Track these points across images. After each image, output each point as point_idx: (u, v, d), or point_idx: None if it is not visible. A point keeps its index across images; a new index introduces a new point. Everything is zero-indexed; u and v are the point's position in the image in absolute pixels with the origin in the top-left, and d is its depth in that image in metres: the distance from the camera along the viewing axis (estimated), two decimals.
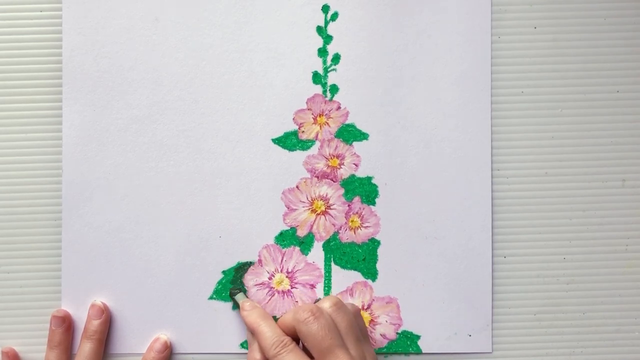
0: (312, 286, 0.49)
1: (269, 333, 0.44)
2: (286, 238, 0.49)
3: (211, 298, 0.49)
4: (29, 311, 0.49)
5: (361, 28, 0.49)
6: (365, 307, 0.49)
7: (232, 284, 0.49)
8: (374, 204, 0.49)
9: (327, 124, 0.49)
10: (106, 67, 0.49)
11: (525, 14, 0.50)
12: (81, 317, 0.48)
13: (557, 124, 0.50)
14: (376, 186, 0.49)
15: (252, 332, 0.45)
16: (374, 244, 0.49)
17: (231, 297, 0.48)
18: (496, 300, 0.49)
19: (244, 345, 0.49)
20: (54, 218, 0.49)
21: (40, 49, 0.49)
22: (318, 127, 0.49)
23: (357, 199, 0.49)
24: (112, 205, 0.49)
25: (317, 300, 0.48)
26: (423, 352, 0.49)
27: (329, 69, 0.49)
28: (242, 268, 0.49)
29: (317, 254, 0.49)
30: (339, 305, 0.44)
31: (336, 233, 0.49)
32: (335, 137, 0.49)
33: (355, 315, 0.45)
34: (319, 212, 0.49)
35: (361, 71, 0.49)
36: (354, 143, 0.49)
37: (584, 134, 0.50)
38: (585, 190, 0.50)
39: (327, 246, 0.49)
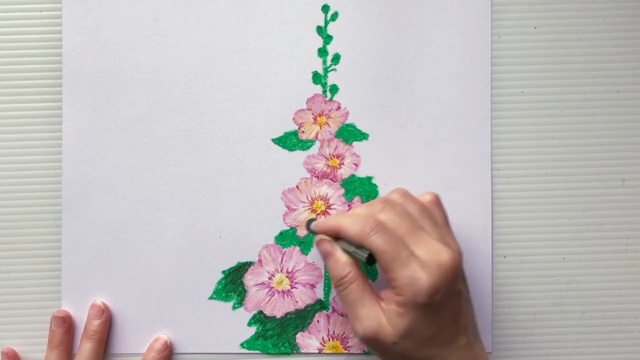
0: (312, 286, 0.49)
1: (333, 272, 0.43)
2: (286, 238, 0.49)
3: (211, 298, 0.49)
4: (29, 311, 0.49)
5: (361, 28, 0.49)
6: None
7: (232, 284, 0.49)
8: None
9: (327, 124, 0.49)
10: (106, 67, 0.49)
11: (525, 14, 0.50)
12: (81, 317, 0.48)
13: (557, 124, 0.50)
14: (376, 186, 0.49)
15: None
16: None
17: (307, 228, 0.47)
18: (496, 300, 0.49)
19: (244, 345, 0.49)
20: (54, 218, 0.49)
21: (40, 49, 0.49)
22: (318, 127, 0.49)
23: (357, 199, 0.49)
24: (112, 205, 0.49)
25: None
26: None
27: (329, 69, 0.49)
28: (242, 268, 0.49)
29: (317, 254, 0.49)
30: (407, 194, 0.44)
31: None
32: (335, 137, 0.49)
33: (430, 203, 0.45)
34: (319, 212, 0.49)
35: (361, 71, 0.49)
36: (354, 143, 0.49)
37: (584, 134, 0.50)
38: (585, 190, 0.50)
39: None
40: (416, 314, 0.40)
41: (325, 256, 0.44)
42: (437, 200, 0.45)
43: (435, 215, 0.44)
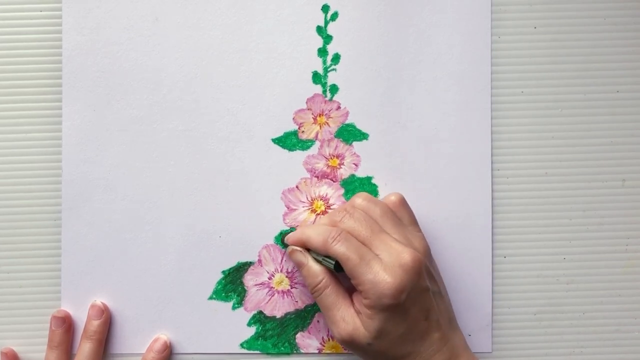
0: None
1: (307, 279, 0.45)
2: None
3: (211, 298, 0.49)
4: (29, 311, 0.49)
5: (361, 28, 0.49)
6: None
7: (232, 284, 0.49)
8: None
9: (327, 123, 0.49)
10: (106, 67, 0.49)
11: (525, 14, 0.50)
12: (81, 317, 0.48)
13: (557, 124, 0.50)
14: (376, 186, 0.49)
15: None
16: None
17: (282, 242, 0.49)
18: (496, 300, 0.49)
19: (244, 345, 0.49)
20: (54, 218, 0.49)
21: (40, 49, 0.49)
22: (318, 127, 0.49)
23: None
24: (112, 205, 0.49)
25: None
26: None
27: (328, 69, 0.49)
28: (242, 268, 0.49)
29: None
30: (369, 197, 0.46)
31: None
32: (335, 137, 0.49)
33: (394, 204, 0.46)
34: (319, 212, 0.49)
35: (361, 71, 0.49)
36: (354, 143, 0.49)
37: (584, 134, 0.50)
38: (585, 190, 0.50)
39: None
40: (384, 315, 0.42)
41: (299, 266, 0.46)
42: (401, 201, 0.46)
43: (400, 216, 0.46)
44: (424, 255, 0.44)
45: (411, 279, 0.42)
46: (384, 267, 0.42)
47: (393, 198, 0.46)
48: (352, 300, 0.44)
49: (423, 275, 0.43)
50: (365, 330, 0.42)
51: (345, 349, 0.49)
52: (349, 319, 0.43)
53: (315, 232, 0.45)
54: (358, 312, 0.43)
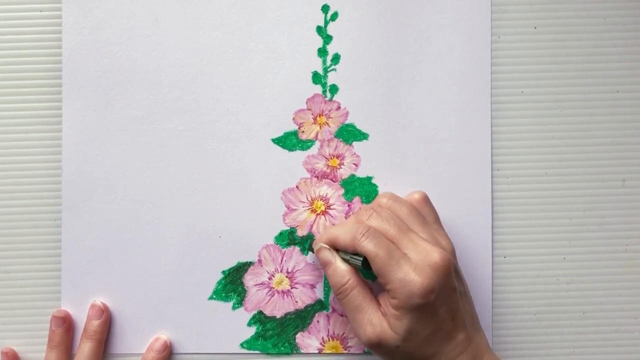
0: (312, 286, 0.49)
1: (333, 279, 0.44)
2: (286, 238, 0.49)
3: (211, 298, 0.49)
4: (29, 311, 0.49)
5: (361, 28, 0.49)
6: None
7: (232, 284, 0.49)
8: None
9: (327, 124, 0.49)
10: (106, 67, 0.49)
11: (525, 14, 0.50)
12: (81, 317, 0.48)
13: (557, 124, 0.50)
14: (376, 186, 0.49)
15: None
16: None
17: (310, 249, 0.48)
18: (496, 300, 0.49)
19: (244, 345, 0.49)
20: (54, 218, 0.49)
21: (40, 49, 0.49)
22: (318, 127, 0.49)
23: (357, 199, 0.49)
24: (112, 205, 0.49)
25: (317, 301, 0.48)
26: None
27: (328, 69, 0.49)
28: (242, 268, 0.49)
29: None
30: (395, 197, 0.46)
31: None
32: (335, 137, 0.49)
33: (418, 202, 0.45)
34: (319, 212, 0.49)
35: (361, 71, 0.49)
36: (354, 143, 0.49)
37: (584, 134, 0.50)
38: (585, 190, 0.50)
39: None
40: (413, 315, 0.41)
41: (325, 265, 0.45)
42: (425, 199, 0.46)
43: (424, 214, 0.45)
44: (452, 255, 0.43)
45: (440, 279, 0.41)
46: (414, 266, 0.41)
47: (417, 196, 0.46)
48: (378, 303, 0.43)
49: (452, 275, 0.42)
50: (394, 332, 0.41)
51: (345, 349, 0.49)
52: (376, 321, 0.42)
53: (342, 229, 0.44)
54: (384, 315, 0.42)
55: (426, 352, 0.42)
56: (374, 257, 0.42)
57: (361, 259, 0.43)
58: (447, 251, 0.43)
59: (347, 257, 0.44)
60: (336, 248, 0.45)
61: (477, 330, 0.44)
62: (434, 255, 0.41)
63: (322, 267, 0.46)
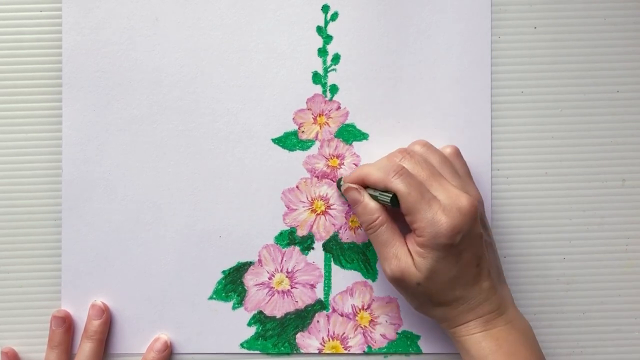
0: (312, 286, 0.49)
1: (362, 217, 0.45)
2: (286, 238, 0.49)
3: (211, 298, 0.49)
4: (29, 311, 0.49)
5: (361, 28, 0.49)
6: (365, 308, 0.49)
7: (232, 284, 0.49)
8: None
9: (327, 124, 0.49)
10: (106, 67, 0.49)
11: (525, 14, 0.50)
12: (81, 317, 0.48)
13: (557, 124, 0.50)
14: None
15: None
16: None
17: (338, 187, 0.49)
18: None
19: (244, 345, 0.49)
20: (54, 218, 0.49)
21: (40, 49, 0.49)
22: (318, 127, 0.49)
23: None
24: (112, 205, 0.49)
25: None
26: (423, 352, 0.49)
27: (328, 69, 0.49)
28: (242, 268, 0.49)
29: (317, 254, 0.49)
30: (429, 145, 0.46)
31: (336, 233, 0.49)
32: (335, 137, 0.49)
33: (450, 155, 0.46)
34: (319, 212, 0.49)
35: (361, 71, 0.49)
36: (354, 143, 0.49)
37: (584, 134, 0.50)
38: (585, 190, 0.50)
39: (327, 246, 0.49)
40: (437, 254, 0.42)
41: (354, 203, 0.46)
42: (457, 153, 0.47)
43: (456, 167, 0.46)
44: (479, 203, 0.44)
45: (467, 222, 0.42)
46: (442, 208, 0.42)
47: (449, 150, 0.47)
48: (405, 240, 0.44)
49: (478, 222, 0.43)
50: (417, 270, 0.43)
51: (345, 349, 0.49)
52: (402, 256, 0.43)
53: (375, 167, 0.45)
54: (410, 253, 0.43)
55: (449, 295, 0.43)
56: (405, 195, 0.43)
57: (390, 196, 0.43)
58: (475, 199, 0.44)
59: (376, 194, 0.45)
60: (364, 185, 0.45)
61: (501, 282, 0.45)
62: (462, 199, 0.43)
63: (350, 205, 0.47)
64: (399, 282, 0.44)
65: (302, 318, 0.49)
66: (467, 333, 0.43)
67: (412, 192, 0.43)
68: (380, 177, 0.44)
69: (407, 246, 0.44)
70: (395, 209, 0.44)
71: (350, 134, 0.49)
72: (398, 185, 0.43)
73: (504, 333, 0.43)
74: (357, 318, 0.49)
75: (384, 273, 0.45)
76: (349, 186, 0.46)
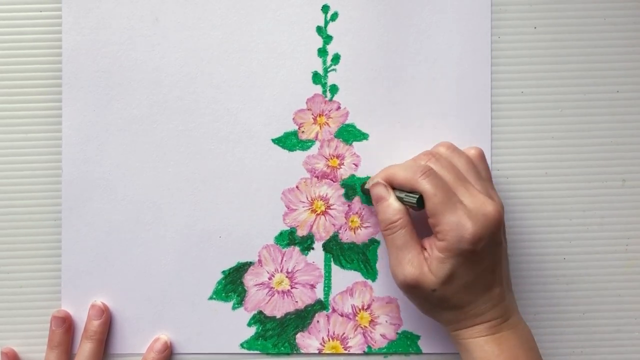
0: (312, 286, 0.49)
1: (383, 215, 0.45)
2: (286, 238, 0.49)
3: (211, 298, 0.49)
4: (29, 311, 0.49)
5: (361, 28, 0.49)
6: (365, 308, 0.49)
7: (232, 284, 0.49)
8: None
9: (327, 124, 0.49)
10: (106, 67, 0.49)
11: (525, 14, 0.50)
12: (81, 317, 0.48)
13: (557, 124, 0.50)
14: None
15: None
16: (373, 244, 0.49)
17: (362, 190, 0.48)
18: None
19: (244, 345, 0.49)
20: (54, 218, 0.49)
21: (40, 49, 0.49)
22: (318, 127, 0.49)
23: (357, 199, 0.49)
24: (112, 205, 0.49)
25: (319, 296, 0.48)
26: (423, 352, 0.49)
27: (328, 69, 0.49)
28: (242, 268, 0.49)
29: (317, 254, 0.49)
30: (454, 147, 0.46)
31: (336, 233, 0.49)
32: (335, 137, 0.49)
33: (475, 157, 0.46)
34: (319, 212, 0.49)
35: (361, 71, 0.49)
36: (354, 143, 0.49)
37: (584, 134, 0.50)
38: (585, 190, 0.50)
39: (327, 246, 0.49)
40: (457, 260, 0.42)
41: (378, 200, 0.45)
42: (481, 155, 0.47)
43: (479, 170, 0.46)
44: (503, 210, 0.44)
45: (491, 229, 0.42)
46: (468, 213, 0.42)
47: (473, 152, 0.46)
48: (422, 247, 0.44)
49: (501, 229, 0.43)
50: (433, 276, 0.42)
51: (345, 349, 0.49)
52: (416, 263, 0.43)
53: (402, 167, 0.45)
54: (427, 259, 0.43)
55: (463, 299, 0.43)
56: (431, 197, 0.42)
57: (417, 197, 0.43)
58: (500, 205, 0.44)
59: (402, 195, 0.44)
60: (391, 187, 0.45)
61: (509, 290, 0.45)
62: (489, 206, 0.42)
63: (374, 202, 0.46)
64: (413, 288, 0.43)
65: (302, 318, 0.49)
66: (470, 336, 0.43)
67: (439, 194, 0.42)
68: (407, 177, 0.44)
69: (424, 253, 0.43)
70: (417, 215, 0.44)
71: (350, 134, 0.49)
72: (425, 185, 0.43)
73: (506, 338, 0.43)
74: (357, 318, 0.49)
75: (394, 277, 0.44)
76: (377, 181, 0.45)
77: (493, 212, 0.42)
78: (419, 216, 0.45)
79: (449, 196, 0.42)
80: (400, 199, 0.44)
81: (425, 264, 0.43)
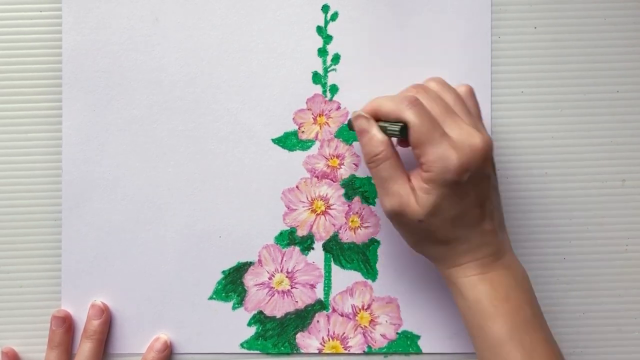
0: (312, 286, 0.49)
1: (366, 148, 0.44)
2: (286, 238, 0.49)
3: (211, 298, 0.49)
4: (29, 311, 0.49)
5: (361, 28, 0.49)
6: (365, 307, 0.49)
7: (232, 284, 0.49)
8: (373, 204, 0.49)
9: (327, 124, 0.49)
10: (106, 67, 0.49)
11: (525, 14, 0.50)
12: (81, 317, 0.48)
13: (557, 124, 0.50)
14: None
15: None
16: (373, 243, 0.49)
17: (349, 125, 0.47)
18: None
19: (244, 345, 0.49)
20: (54, 218, 0.49)
21: (40, 49, 0.49)
22: (318, 127, 0.49)
23: (357, 199, 0.49)
24: (112, 205, 0.49)
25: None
26: (423, 352, 0.49)
27: (328, 69, 0.49)
28: (242, 268, 0.49)
29: (317, 254, 0.49)
30: (444, 82, 0.45)
31: (336, 233, 0.49)
32: (335, 137, 0.49)
33: (465, 94, 0.45)
34: (319, 212, 0.49)
35: (361, 71, 0.49)
36: (354, 143, 0.49)
37: (584, 134, 0.50)
38: (585, 190, 0.50)
39: (327, 246, 0.49)
40: (442, 191, 0.41)
41: (361, 133, 0.44)
42: (471, 92, 0.46)
43: (469, 105, 0.45)
44: (492, 143, 0.43)
45: (477, 161, 0.41)
46: (453, 144, 0.41)
47: (463, 88, 0.46)
48: (408, 176, 0.43)
49: (488, 162, 0.42)
50: (419, 206, 0.42)
51: (345, 349, 0.49)
52: (403, 192, 0.42)
53: (388, 98, 0.44)
54: (413, 189, 0.42)
55: (449, 234, 0.42)
56: (417, 127, 0.42)
57: (400, 125, 0.42)
58: (489, 138, 0.43)
59: (386, 125, 0.43)
60: (376, 119, 0.44)
61: (502, 229, 0.44)
62: (476, 138, 0.41)
63: (357, 136, 0.45)
64: (399, 217, 0.43)
65: (302, 318, 0.49)
66: (462, 275, 0.43)
67: (424, 124, 0.41)
68: (392, 107, 0.43)
69: (409, 184, 0.43)
70: (404, 148, 0.43)
71: (350, 134, 0.49)
72: (410, 115, 0.42)
73: (500, 277, 0.42)
74: (357, 318, 0.49)
75: (383, 207, 0.44)
76: (359, 114, 0.44)
77: (480, 144, 0.41)
78: (406, 151, 0.44)
79: (435, 127, 0.41)
80: (383, 129, 0.43)
81: (412, 194, 0.42)
